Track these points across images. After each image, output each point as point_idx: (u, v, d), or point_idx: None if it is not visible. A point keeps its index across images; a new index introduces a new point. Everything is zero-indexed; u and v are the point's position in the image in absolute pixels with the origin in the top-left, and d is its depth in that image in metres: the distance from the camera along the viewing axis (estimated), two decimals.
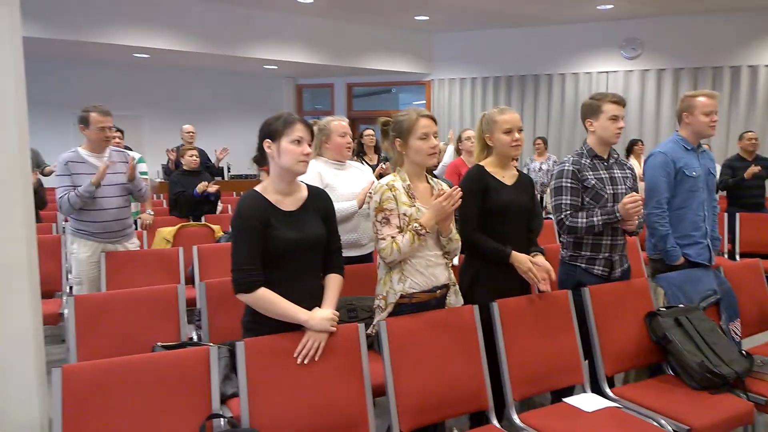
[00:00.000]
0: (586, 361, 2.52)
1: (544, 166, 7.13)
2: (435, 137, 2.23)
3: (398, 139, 2.22)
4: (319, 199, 2.08)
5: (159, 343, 2.40)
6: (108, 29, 6.88)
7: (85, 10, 6.72)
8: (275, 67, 9.00)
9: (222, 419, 1.81)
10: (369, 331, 2.18)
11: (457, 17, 8.13)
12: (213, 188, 4.96)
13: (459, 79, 9.26)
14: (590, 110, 2.66)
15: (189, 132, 5.99)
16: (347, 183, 2.98)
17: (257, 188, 2.01)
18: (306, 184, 2.10)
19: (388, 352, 2.03)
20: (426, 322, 2.15)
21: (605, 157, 2.68)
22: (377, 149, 5.64)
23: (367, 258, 3.10)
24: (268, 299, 1.88)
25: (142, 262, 3.54)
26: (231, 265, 1.89)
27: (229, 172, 8.78)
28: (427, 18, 8.17)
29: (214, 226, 4.50)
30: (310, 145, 1.98)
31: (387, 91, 10.70)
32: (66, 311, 2.67)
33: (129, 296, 2.57)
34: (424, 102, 9.62)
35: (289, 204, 1.99)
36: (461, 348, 2.18)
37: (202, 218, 4.91)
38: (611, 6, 7.47)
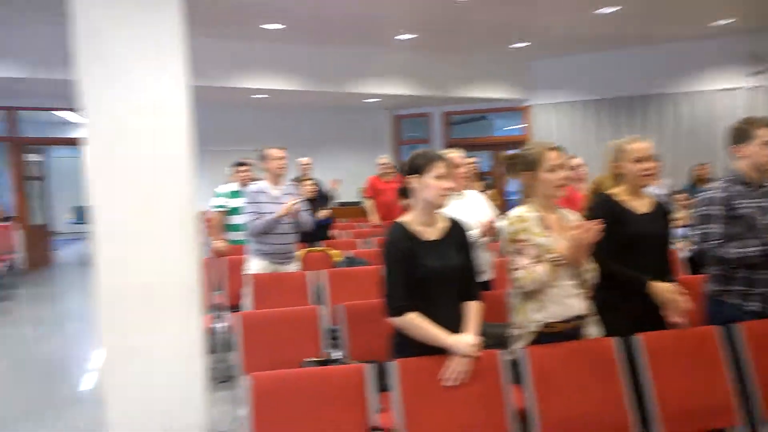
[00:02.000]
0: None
1: (659, 191, 6.85)
2: (565, 168, 2.30)
3: (526, 172, 2.32)
4: (458, 229, 2.22)
5: (306, 359, 2.63)
6: (232, 74, 7.57)
7: (213, 58, 7.43)
8: (376, 100, 9.39)
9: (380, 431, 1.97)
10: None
11: (557, 42, 8.11)
12: (325, 213, 5.31)
13: (560, 103, 9.16)
14: (739, 135, 2.53)
15: (306, 164, 6.40)
16: (465, 212, 3.12)
17: (402, 219, 2.18)
18: (447, 215, 2.25)
19: (531, 380, 2.10)
20: (566, 352, 2.19)
21: (757, 184, 2.53)
22: (480, 176, 5.75)
23: (485, 286, 3.20)
24: (416, 324, 2.03)
25: (277, 284, 3.85)
26: (382, 290, 2.07)
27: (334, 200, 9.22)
28: (524, 45, 8.21)
29: (332, 252, 4.78)
30: (451, 180, 2.14)
31: (483, 118, 10.79)
32: (219, 326, 2.99)
33: (278, 315, 2.84)
34: (524, 127, 9.60)
35: (431, 234, 2.14)
36: (602, 379, 2.19)
37: (318, 243, 5.23)
38: (733, 20, 7.11)
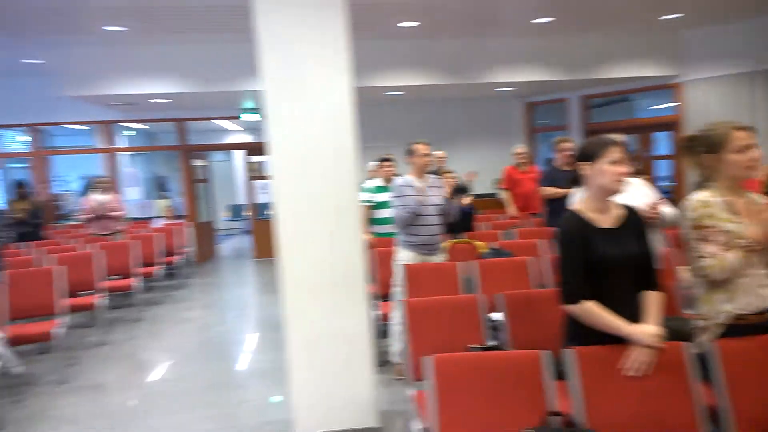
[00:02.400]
0: None
1: None
2: (755, 148, 2.12)
3: (708, 154, 2.17)
4: (635, 216, 2.15)
5: (471, 345, 2.70)
6: (369, 74, 7.87)
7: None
8: (508, 89, 9.21)
9: (558, 417, 1.98)
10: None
11: (716, 8, 7.33)
12: (468, 200, 5.34)
13: (719, 77, 8.29)
14: None
15: (441, 158, 6.48)
16: (628, 198, 2.99)
17: (575, 207, 2.16)
18: (622, 204, 2.18)
19: (722, 375, 1.99)
20: (760, 346, 2.03)
21: None
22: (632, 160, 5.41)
23: None
24: (594, 312, 2.01)
25: (428, 274, 3.98)
26: (558, 278, 2.07)
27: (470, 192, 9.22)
28: (678, 15, 7.54)
29: (478, 243, 4.81)
30: (626, 166, 2.07)
31: (624, 100, 10.10)
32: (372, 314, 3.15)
33: (439, 303, 2.95)
34: (676, 106, 8.83)
35: (605, 221, 2.10)
36: None
37: (461, 235, 5.28)
38: None
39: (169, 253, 7.60)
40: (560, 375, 2.08)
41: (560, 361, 2.07)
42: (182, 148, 9.77)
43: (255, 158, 10.19)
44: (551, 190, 5.11)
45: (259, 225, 10.23)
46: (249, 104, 9.30)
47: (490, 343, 3.08)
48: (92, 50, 7.34)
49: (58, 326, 4.29)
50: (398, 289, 4.00)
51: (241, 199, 14.61)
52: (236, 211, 14.50)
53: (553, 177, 5.17)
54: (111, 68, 7.46)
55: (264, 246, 10.03)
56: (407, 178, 4.10)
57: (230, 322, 6.12)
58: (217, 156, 14.17)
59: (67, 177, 11.42)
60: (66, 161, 11.04)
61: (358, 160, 3.11)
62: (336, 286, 3.05)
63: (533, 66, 8.33)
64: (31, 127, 9.28)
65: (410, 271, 3.80)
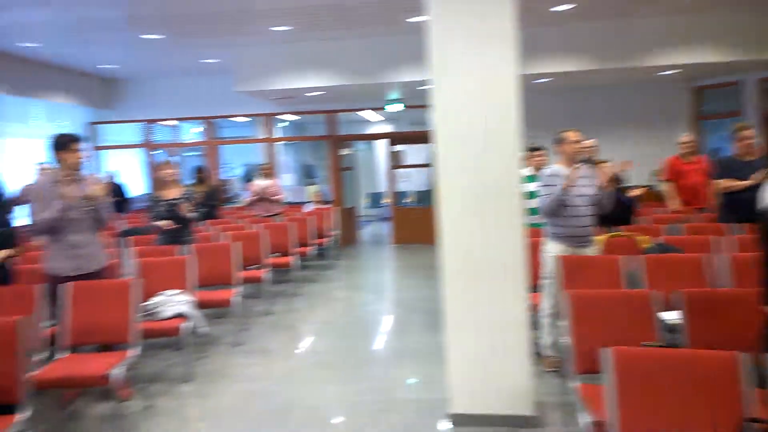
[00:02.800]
0: None
1: None
2: None
3: None
4: None
5: (645, 342, 2.56)
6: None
7: None
8: (671, 72, 8.43)
9: (757, 423, 1.82)
10: None
11: None
12: (638, 192, 5.00)
13: None
14: None
15: (592, 146, 6.13)
16: None
17: None
18: None
19: None
20: None
21: None
22: None
23: None
24: None
25: (583, 267, 3.82)
26: (762, 278, 1.89)
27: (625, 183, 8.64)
28: None
29: (640, 237, 4.51)
30: None
31: None
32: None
33: (606, 296, 2.83)
34: None
35: None
36: None
37: (616, 228, 4.98)
38: None
39: (320, 236, 8.11)
40: (760, 382, 1.90)
41: (760, 367, 1.90)
42: (331, 138, 10.34)
43: (397, 147, 10.47)
44: (728, 183, 4.63)
45: (398, 212, 10.52)
46: (393, 95, 9.56)
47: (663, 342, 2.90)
48: (259, 50, 8.03)
49: (234, 295, 4.80)
50: (547, 281, 3.90)
51: (381, 187, 15.11)
52: (375, 199, 15.02)
53: (730, 168, 4.67)
54: (275, 65, 8.11)
55: (403, 232, 10.30)
56: (556, 168, 3.95)
57: (375, 303, 6.40)
58: (360, 145, 14.78)
59: (232, 164, 12.65)
60: (231, 150, 12.23)
61: (520, 149, 3.08)
62: (495, 272, 3.06)
63: (705, 46, 7.53)
64: (205, 120, 10.38)
65: (566, 263, 3.68)
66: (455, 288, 3.11)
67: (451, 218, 3.10)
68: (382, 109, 10.04)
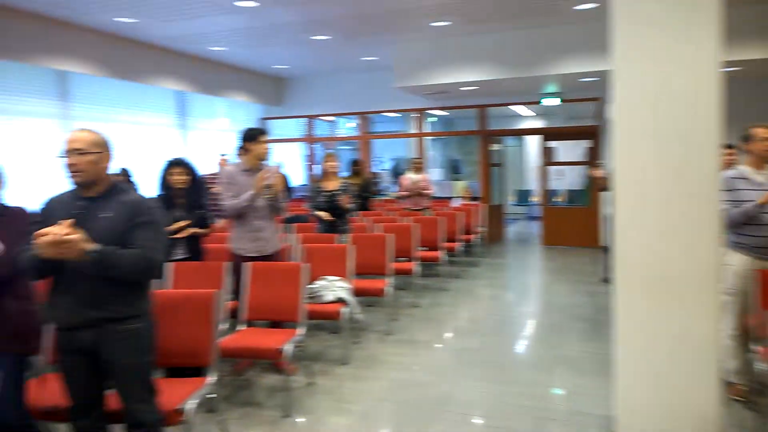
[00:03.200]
0: None
1: None
2: None
3: None
4: None
5: None
6: None
7: None
8: None
9: None
10: None
11: None
12: None
13: None
14: None
15: None
16: None
17: None
18: None
19: None
20: None
21: None
22: None
23: None
24: None
25: None
26: None
27: None
28: None
29: None
30: None
31: None
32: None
33: None
34: None
35: None
36: None
37: None
38: None
39: (467, 232, 8.04)
40: None
41: None
42: (482, 133, 10.18)
43: (550, 143, 10.00)
44: None
45: (549, 211, 10.06)
46: (550, 89, 9.13)
47: None
48: (418, 46, 8.14)
49: (387, 285, 4.94)
50: (729, 298, 3.41)
51: (529, 184, 14.58)
52: (522, 196, 14.54)
53: None
54: (432, 61, 8.17)
55: (553, 233, 9.83)
56: (741, 170, 3.43)
57: (523, 304, 6.18)
58: (509, 141, 14.40)
59: (382, 158, 13.07)
60: (380, 144, 12.64)
61: (718, 146, 2.72)
62: (684, 283, 2.74)
63: None
64: (360, 115, 10.82)
65: (764, 278, 3.20)
66: (631, 297, 2.85)
67: (629, 220, 2.84)
68: (536, 103, 9.65)
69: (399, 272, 5.67)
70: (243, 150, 4.06)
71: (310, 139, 11.32)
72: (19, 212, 2.48)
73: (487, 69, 7.98)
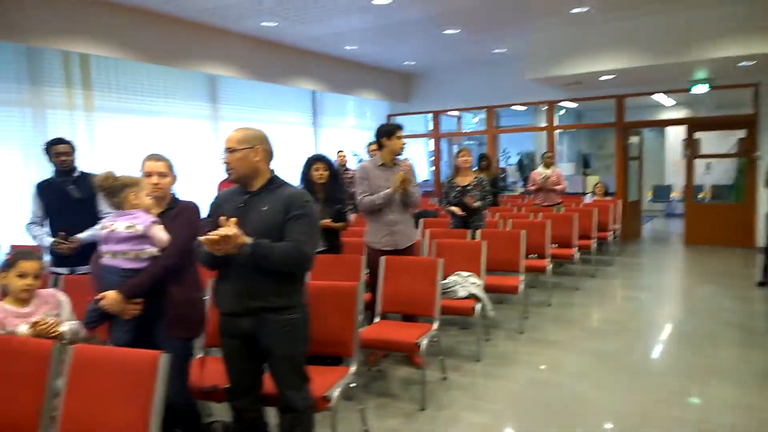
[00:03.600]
0: None
1: None
2: None
3: None
4: None
5: None
6: None
7: None
8: None
9: None
10: None
11: None
12: None
13: None
14: None
15: None
16: None
17: None
18: None
19: None
20: None
21: None
22: None
23: None
24: None
25: None
26: None
27: None
28: None
29: None
30: None
31: None
32: None
33: None
34: None
35: None
36: None
37: None
38: None
39: (601, 229, 7.50)
40: None
41: None
42: (619, 125, 9.42)
43: (697, 135, 9.00)
44: None
45: (693, 208, 9.09)
46: (699, 75, 8.19)
47: None
48: (551, 35, 7.71)
49: (520, 282, 4.73)
50: None
51: (668, 179, 13.31)
52: (660, 192, 13.29)
53: None
54: (568, 50, 7.70)
55: (698, 231, 8.87)
56: None
57: (665, 307, 5.64)
58: (646, 133, 13.23)
59: (508, 152, 12.66)
60: (505, 139, 12.23)
61: None
62: None
63: None
64: (487, 109, 10.54)
65: None
66: None
67: None
68: (681, 91, 8.72)
69: (530, 269, 5.42)
70: (378, 145, 4.09)
71: (436, 135, 11.27)
72: (190, 206, 2.67)
73: (628, 56, 7.34)
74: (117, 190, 2.40)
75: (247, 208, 2.36)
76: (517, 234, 5.05)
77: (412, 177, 3.98)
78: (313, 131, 9.54)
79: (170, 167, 2.66)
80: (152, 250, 2.44)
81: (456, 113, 11.81)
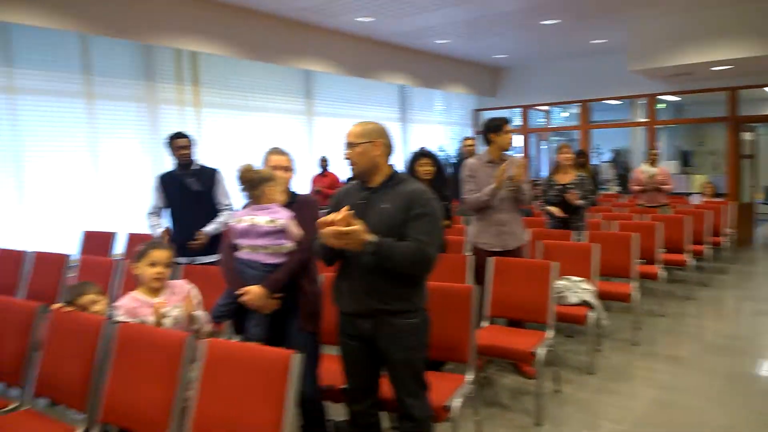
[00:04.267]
0: None
1: None
2: None
3: None
4: None
5: None
6: None
7: None
8: None
9: None
10: None
11: None
12: None
13: None
14: None
15: None
16: None
17: None
18: None
19: None
20: None
21: None
22: None
23: None
24: None
25: None
26: None
27: None
28: None
29: None
30: None
31: None
32: None
33: None
34: None
35: None
36: None
37: None
38: None
39: (714, 233, 6.83)
40: None
41: None
42: (731, 120, 8.58)
43: None
44: None
45: None
46: None
47: None
48: (658, 23, 7.11)
49: (633, 289, 4.34)
50: None
51: None
52: None
53: None
54: (677, 38, 7.07)
55: None
56: None
57: None
58: (761, 129, 12.03)
59: (600, 149, 11.95)
60: (597, 134, 11.53)
61: None
62: None
63: None
64: (580, 103, 9.97)
65: None
66: None
67: None
68: None
69: (642, 276, 4.98)
70: (486, 141, 3.86)
71: (524, 131, 10.82)
72: (311, 199, 2.60)
73: (749, 44, 6.62)
74: (257, 183, 2.37)
75: (367, 204, 2.23)
76: (628, 237, 4.65)
77: (521, 172, 3.72)
78: (400, 126, 9.42)
79: (291, 161, 2.60)
80: (289, 245, 2.39)
81: (545, 108, 11.28)
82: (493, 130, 3.79)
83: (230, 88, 6.69)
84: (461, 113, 10.58)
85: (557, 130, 11.70)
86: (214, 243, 3.71)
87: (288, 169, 2.56)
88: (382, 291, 2.18)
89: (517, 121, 10.86)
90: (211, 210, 3.61)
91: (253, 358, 1.99)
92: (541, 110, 11.44)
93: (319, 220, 2.09)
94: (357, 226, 2.03)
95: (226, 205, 3.72)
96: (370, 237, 2.07)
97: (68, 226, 5.42)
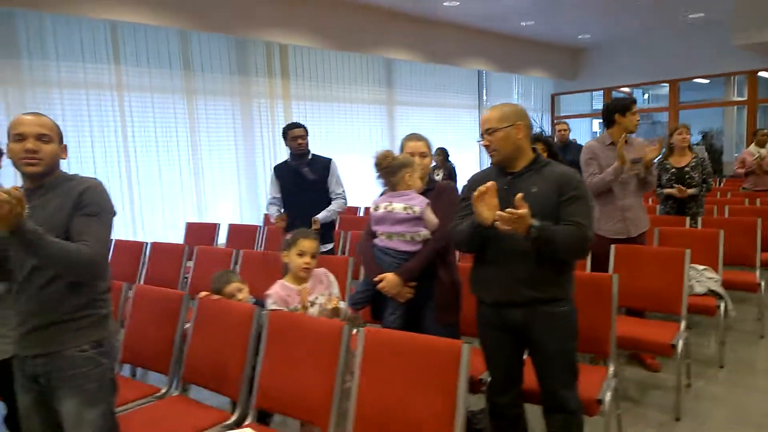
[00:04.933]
0: None
1: None
2: None
3: None
4: None
5: None
6: None
7: None
8: None
9: None
10: None
11: None
12: None
13: None
14: None
15: None
16: None
17: None
18: None
19: None
20: None
21: None
22: None
23: None
24: None
25: None
26: None
27: None
28: None
29: None
30: None
31: None
32: None
33: None
34: None
35: None
36: None
37: None
38: None
39: None
40: None
41: None
42: None
43: None
44: None
45: None
46: None
47: None
48: None
49: (759, 279, 4.03)
50: None
51: None
52: None
53: None
54: None
55: None
56: None
57: None
58: None
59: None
60: (684, 115, 10.85)
61: None
62: None
63: None
64: (669, 83, 9.40)
65: None
66: None
67: None
68: None
69: (764, 265, 4.62)
70: (608, 123, 3.65)
71: None
72: (450, 186, 2.53)
73: None
74: (395, 169, 2.32)
75: (511, 190, 2.13)
76: (753, 222, 4.31)
77: (650, 154, 3.50)
78: (478, 113, 9.22)
79: (429, 147, 2.53)
80: (425, 233, 2.33)
81: (626, 89, 10.72)
82: (620, 110, 3.56)
83: (315, 79, 6.73)
84: (539, 98, 10.23)
85: (643, 112, 11.10)
86: (327, 232, 3.73)
87: (425, 155, 2.49)
88: (539, 278, 2.08)
89: (597, 105, 10.40)
90: (326, 199, 3.62)
91: (418, 346, 1.94)
92: (622, 92, 10.89)
93: (474, 194, 2.01)
94: (526, 210, 1.94)
95: (339, 194, 3.73)
96: (534, 222, 1.98)
97: (170, 217, 5.63)
